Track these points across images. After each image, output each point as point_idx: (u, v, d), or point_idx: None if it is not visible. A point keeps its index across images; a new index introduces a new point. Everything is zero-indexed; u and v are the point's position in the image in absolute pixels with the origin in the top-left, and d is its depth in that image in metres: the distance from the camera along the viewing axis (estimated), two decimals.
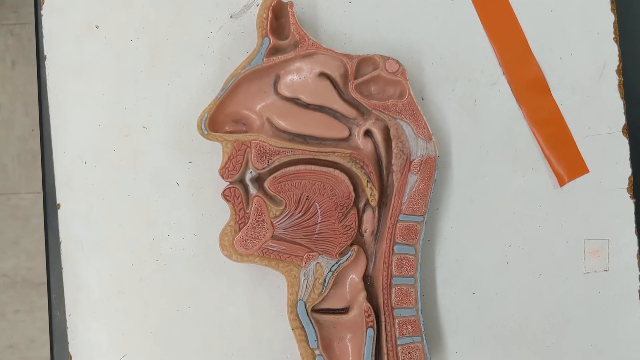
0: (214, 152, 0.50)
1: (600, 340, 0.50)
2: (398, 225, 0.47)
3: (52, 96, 0.50)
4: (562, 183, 0.50)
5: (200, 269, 0.50)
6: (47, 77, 0.50)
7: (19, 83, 1.24)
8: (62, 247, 0.50)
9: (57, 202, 0.50)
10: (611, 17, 0.50)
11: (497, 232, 0.50)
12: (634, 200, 0.50)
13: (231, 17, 0.50)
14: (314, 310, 0.47)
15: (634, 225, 0.50)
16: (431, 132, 0.47)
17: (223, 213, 0.50)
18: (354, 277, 0.48)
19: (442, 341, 0.50)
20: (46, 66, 0.50)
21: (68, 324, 0.50)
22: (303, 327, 0.47)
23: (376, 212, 0.48)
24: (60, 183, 0.50)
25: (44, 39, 0.50)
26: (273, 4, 0.47)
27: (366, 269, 0.48)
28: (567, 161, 0.50)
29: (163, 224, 0.50)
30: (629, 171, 0.50)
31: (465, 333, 0.50)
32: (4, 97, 1.24)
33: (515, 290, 0.50)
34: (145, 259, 0.50)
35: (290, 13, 0.47)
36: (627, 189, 0.50)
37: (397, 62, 0.47)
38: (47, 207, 0.50)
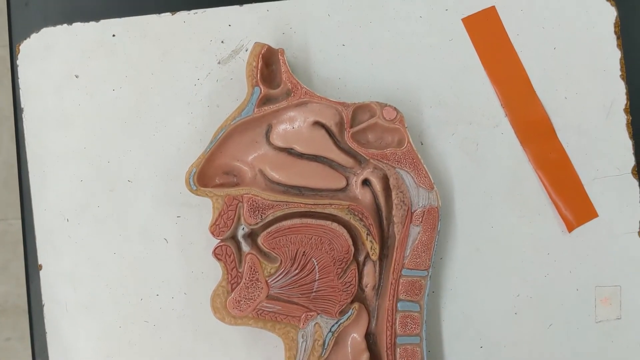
0: (203, 205, 0.47)
1: None
2: (401, 281, 0.45)
3: (31, 150, 0.47)
4: (570, 228, 0.48)
5: (191, 330, 0.47)
6: (25, 131, 0.48)
7: (3, 107, 1.21)
8: (45, 310, 0.47)
9: (39, 262, 0.47)
10: (617, 54, 0.48)
11: (504, 282, 0.48)
12: None
13: (219, 63, 0.48)
14: None
15: None
16: (433, 181, 0.45)
17: (214, 270, 0.47)
18: (356, 336, 0.46)
19: None
20: (24, 119, 0.48)
21: None
22: None
23: (377, 265, 0.45)
24: (42, 242, 0.47)
25: (20, 90, 0.47)
26: (263, 51, 0.44)
27: (368, 326, 0.46)
28: (575, 205, 0.48)
29: (151, 283, 0.47)
30: (639, 214, 0.48)
31: None
32: None
33: (525, 342, 0.48)
34: (134, 320, 0.47)
35: (281, 61, 0.45)
36: (638, 233, 0.48)
37: (395, 109, 0.45)
38: (29, 268, 0.48)
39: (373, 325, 0.46)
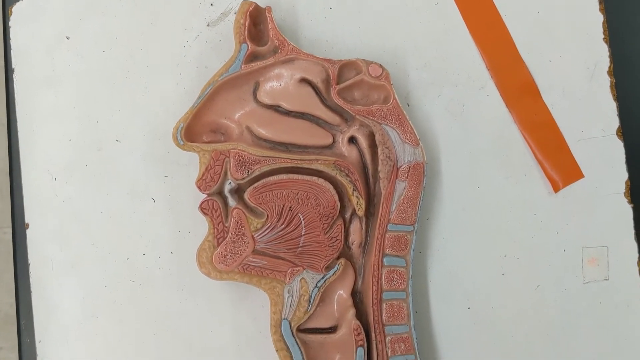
0: (191, 165, 0.47)
1: (603, 353, 0.47)
2: (387, 236, 0.45)
3: (21, 110, 0.48)
4: (556, 189, 0.48)
5: (178, 289, 0.47)
6: (16, 91, 0.48)
7: None
8: (31, 268, 0.47)
9: (26, 221, 0.47)
10: (600, 18, 0.48)
11: (491, 242, 0.48)
12: (632, 205, 0.48)
13: (208, 25, 0.48)
14: (300, 330, 0.44)
15: (632, 231, 0.48)
16: (418, 137, 0.45)
17: (201, 229, 0.47)
18: (342, 293, 0.45)
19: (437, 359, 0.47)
20: (14, 79, 0.48)
21: (38, 351, 0.47)
22: (288, 348, 0.44)
23: (363, 222, 0.45)
24: (29, 201, 0.47)
25: (12, 51, 0.48)
26: (250, 9, 0.45)
27: (355, 284, 0.45)
28: (561, 166, 0.48)
29: (138, 242, 0.47)
30: (625, 175, 0.48)
31: (462, 351, 0.47)
32: None
33: (513, 303, 0.47)
34: (120, 280, 0.47)
35: (268, 18, 0.45)
36: (625, 193, 0.48)
37: (381, 66, 0.45)
38: (16, 226, 0.47)
39: (359, 283, 0.46)
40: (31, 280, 0.47)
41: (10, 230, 1.27)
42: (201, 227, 0.47)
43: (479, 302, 0.47)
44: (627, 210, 0.48)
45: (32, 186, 0.47)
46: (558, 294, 0.47)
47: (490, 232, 0.48)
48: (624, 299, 0.47)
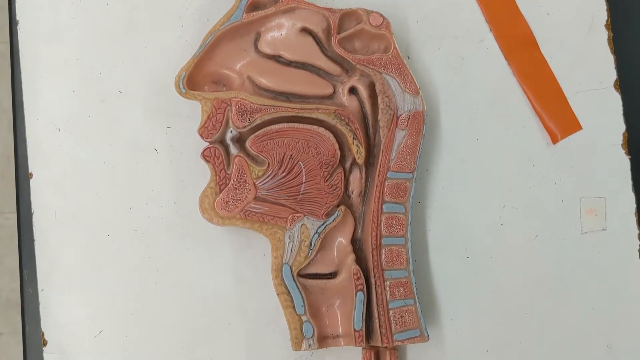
0: (193, 116, 0.48)
1: (601, 303, 0.47)
2: (386, 183, 0.45)
3: (25, 62, 0.48)
4: (555, 140, 0.48)
5: (180, 239, 0.48)
6: (20, 43, 0.48)
7: (2, 99, 1.22)
8: (35, 218, 0.48)
9: (29, 171, 0.48)
10: None
11: (489, 193, 0.48)
12: (630, 156, 0.48)
13: None
14: (300, 275, 0.45)
15: (630, 182, 0.48)
16: (418, 86, 0.45)
17: (203, 179, 0.47)
18: (342, 240, 0.46)
19: (436, 309, 0.47)
20: (19, 32, 0.49)
21: (40, 299, 0.47)
22: (289, 292, 0.44)
23: (363, 172, 0.46)
24: (33, 151, 0.48)
25: (16, 3, 0.48)
26: None
27: (354, 232, 0.46)
28: (559, 118, 0.48)
29: (140, 192, 0.48)
30: (622, 127, 0.48)
31: (461, 299, 0.47)
32: None
33: (511, 253, 0.48)
34: (122, 229, 0.48)
35: None
36: (622, 145, 0.48)
37: (381, 15, 0.46)
38: (19, 176, 0.48)
39: (359, 231, 0.46)
40: (34, 229, 0.47)
41: (12, 215, 1.27)
42: (203, 178, 0.47)
43: (477, 252, 0.48)
44: (625, 162, 0.48)
45: (35, 137, 0.48)
46: (556, 244, 0.48)
47: (489, 183, 0.48)
48: (621, 249, 0.48)
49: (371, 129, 0.46)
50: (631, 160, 0.48)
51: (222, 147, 0.45)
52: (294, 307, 0.44)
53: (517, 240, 0.48)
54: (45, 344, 0.47)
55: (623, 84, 0.49)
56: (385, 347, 0.46)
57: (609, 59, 0.49)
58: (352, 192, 0.46)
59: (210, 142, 0.45)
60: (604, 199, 0.48)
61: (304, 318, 0.44)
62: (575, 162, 0.48)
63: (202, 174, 0.47)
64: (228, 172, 0.45)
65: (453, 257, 0.48)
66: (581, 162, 0.48)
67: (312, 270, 0.45)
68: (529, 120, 0.48)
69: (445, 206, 0.48)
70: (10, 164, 1.25)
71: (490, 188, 0.48)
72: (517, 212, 0.48)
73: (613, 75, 0.49)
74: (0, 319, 1.19)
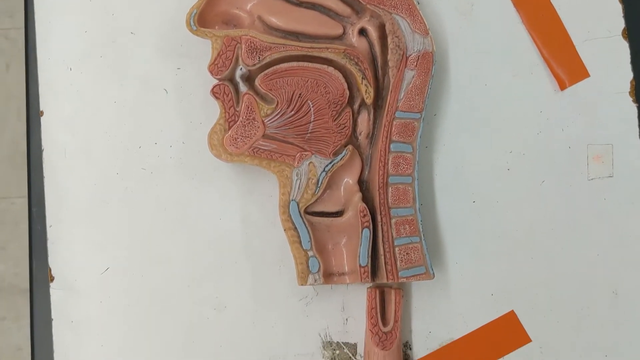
0: (203, 57, 0.48)
1: (606, 249, 0.48)
2: (394, 123, 0.45)
3: (38, 2, 0.49)
4: (562, 87, 0.48)
5: (188, 178, 0.48)
6: None
7: (12, 86, 1.22)
8: (45, 155, 0.48)
9: (40, 109, 0.48)
10: None
11: (497, 138, 0.48)
12: (637, 104, 0.48)
13: None
14: (307, 212, 0.45)
15: (637, 130, 0.48)
16: (427, 27, 0.46)
17: (212, 120, 0.47)
18: (349, 181, 0.46)
19: (441, 252, 0.48)
20: None
21: (49, 235, 0.47)
22: (296, 228, 0.45)
23: (371, 114, 0.46)
24: (44, 90, 0.48)
25: None
26: None
27: (361, 173, 0.46)
28: (567, 65, 0.48)
29: (150, 132, 0.48)
30: (630, 75, 0.49)
31: (466, 243, 0.48)
32: None
33: (518, 198, 0.48)
34: (131, 168, 0.48)
35: None
36: (629, 92, 0.48)
37: None
38: (30, 114, 0.48)
39: (366, 173, 0.47)
40: (44, 166, 0.48)
41: (18, 200, 1.27)
42: (212, 119, 0.48)
43: (483, 197, 0.48)
44: (632, 109, 0.48)
45: (47, 75, 0.48)
46: (562, 190, 0.48)
47: (496, 129, 0.48)
48: (627, 196, 0.48)
49: (380, 71, 0.47)
50: (638, 108, 0.48)
51: (231, 85, 0.46)
52: (300, 242, 0.44)
53: (524, 185, 0.48)
54: (52, 280, 0.47)
55: (631, 33, 0.49)
56: (391, 286, 0.46)
57: (617, 8, 0.49)
58: (360, 134, 0.46)
59: (220, 80, 0.45)
60: (611, 145, 0.48)
61: (310, 253, 0.44)
62: (583, 109, 0.48)
63: (211, 115, 0.48)
64: (237, 110, 0.45)
65: (459, 201, 0.48)
66: (588, 109, 0.48)
67: (319, 208, 0.46)
68: (536, 67, 0.49)
69: (453, 151, 0.48)
70: (17, 150, 1.25)
71: (497, 133, 0.48)
72: (524, 157, 0.48)
73: (621, 23, 0.49)
74: (4, 304, 1.20)
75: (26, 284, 1.19)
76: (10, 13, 1.27)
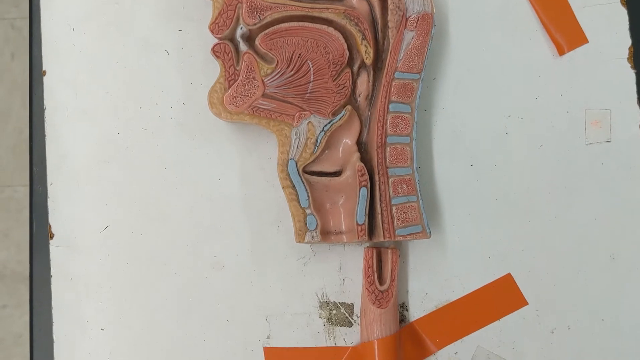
0: (204, 19, 0.49)
1: (604, 213, 0.48)
2: (393, 83, 0.46)
3: None
4: (561, 52, 0.49)
5: (188, 138, 0.48)
6: None
7: (17, 75, 1.23)
8: (47, 114, 0.48)
9: (43, 68, 0.49)
10: None
11: (495, 103, 0.49)
12: (635, 70, 0.49)
13: None
14: (306, 171, 0.46)
15: (635, 95, 0.48)
16: None
17: (212, 81, 0.48)
18: (347, 141, 0.46)
19: (439, 215, 0.48)
20: None
21: (49, 193, 0.48)
22: (294, 186, 0.45)
23: (371, 75, 0.47)
24: (47, 50, 0.49)
25: None
26: None
27: (360, 135, 0.47)
28: (566, 30, 0.49)
29: (151, 92, 0.49)
30: (628, 41, 0.49)
31: (464, 206, 0.48)
32: (2, 88, 1.23)
33: (516, 162, 0.48)
34: (132, 127, 0.48)
35: None
36: (628, 59, 0.49)
37: None
38: (33, 74, 0.49)
39: (365, 135, 0.47)
40: (46, 125, 0.48)
41: (21, 188, 1.27)
42: (212, 80, 0.48)
43: (481, 160, 0.48)
44: (630, 75, 0.49)
45: (50, 36, 0.49)
46: (561, 154, 0.48)
47: (494, 93, 0.49)
48: (625, 161, 0.48)
49: (380, 34, 0.47)
50: (636, 74, 0.49)
51: (232, 44, 0.46)
52: (298, 200, 0.45)
53: (522, 149, 0.48)
54: (52, 237, 0.47)
55: (629, 0, 0.49)
56: (387, 247, 0.46)
57: None
58: (359, 96, 0.47)
59: (221, 39, 0.46)
60: (609, 111, 0.48)
61: (307, 211, 0.45)
62: (581, 74, 0.49)
63: (212, 77, 0.48)
64: (237, 69, 0.46)
65: (457, 164, 0.48)
66: (587, 75, 0.49)
67: (318, 168, 0.46)
68: (535, 33, 0.49)
69: (451, 114, 0.49)
70: (21, 138, 1.26)
71: (495, 98, 0.49)
72: (522, 122, 0.48)
73: None
74: (6, 291, 1.20)
75: (28, 272, 1.19)
76: (16, 3, 1.27)
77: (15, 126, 1.23)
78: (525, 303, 0.47)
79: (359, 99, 0.47)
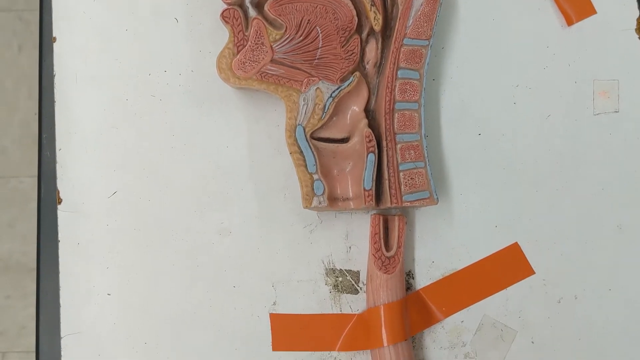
0: None
1: (611, 183, 0.48)
2: (402, 50, 0.46)
3: None
4: (569, 23, 0.49)
5: (196, 106, 0.48)
6: None
7: (24, 67, 1.23)
8: (56, 80, 0.49)
9: (53, 35, 0.49)
10: None
11: (503, 72, 0.49)
12: None
13: None
14: (314, 137, 0.46)
15: None
16: None
17: (221, 49, 0.48)
18: (355, 108, 0.47)
19: (447, 183, 0.48)
20: None
21: (58, 158, 0.48)
22: (301, 151, 0.45)
23: (379, 42, 0.47)
24: (57, 16, 0.49)
25: None
26: None
27: (368, 102, 0.47)
28: (574, 1, 0.49)
29: (160, 59, 0.49)
30: (636, 12, 0.49)
31: (471, 175, 0.48)
32: (9, 80, 1.24)
33: (523, 131, 0.48)
34: (141, 94, 0.48)
35: None
36: (636, 30, 0.49)
37: None
38: (43, 41, 0.49)
39: (372, 102, 0.47)
40: (55, 91, 0.48)
41: (27, 179, 1.27)
42: (221, 48, 0.48)
43: (489, 129, 0.48)
44: (638, 46, 0.49)
45: (61, 3, 0.49)
46: (568, 124, 0.48)
47: (503, 63, 0.49)
48: (632, 131, 0.48)
49: (389, 1, 0.47)
50: None
51: (241, 10, 0.46)
52: (305, 165, 0.45)
53: (530, 119, 0.48)
54: (60, 202, 0.48)
55: None
56: (394, 214, 0.46)
57: None
58: (368, 63, 0.47)
59: (230, 4, 0.46)
60: (617, 81, 0.48)
61: (315, 176, 0.45)
62: (589, 45, 0.49)
63: (220, 44, 0.48)
64: (246, 34, 0.46)
65: (465, 133, 0.48)
66: (595, 45, 0.49)
67: (325, 134, 0.46)
68: (544, 2, 0.49)
69: (459, 84, 0.49)
70: (27, 130, 1.26)
71: (504, 67, 0.49)
72: (530, 91, 0.48)
73: None
74: (10, 282, 1.21)
75: (34, 264, 1.19)
76: None
77: (21, 118, 1.24)
78: (532, 272, 0.47)
79: (367, 67, 0.47)
